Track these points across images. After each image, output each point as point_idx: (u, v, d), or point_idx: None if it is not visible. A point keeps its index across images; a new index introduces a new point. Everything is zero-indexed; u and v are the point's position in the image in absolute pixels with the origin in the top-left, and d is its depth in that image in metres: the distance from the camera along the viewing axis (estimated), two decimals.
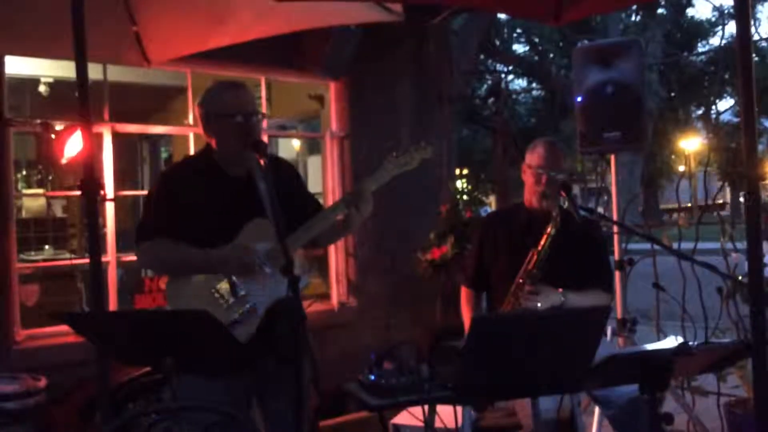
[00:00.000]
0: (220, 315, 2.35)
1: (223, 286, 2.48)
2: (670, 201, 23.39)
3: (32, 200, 6.96)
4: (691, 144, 17.04)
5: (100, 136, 4.38)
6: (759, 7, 18.18)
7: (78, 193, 2.42)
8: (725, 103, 19.36)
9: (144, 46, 3.52)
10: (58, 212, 7.35)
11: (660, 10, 17.59)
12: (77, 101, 2.39)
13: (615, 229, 4.20)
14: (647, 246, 4.25)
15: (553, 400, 2.81)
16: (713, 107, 18.74)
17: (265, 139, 2.66)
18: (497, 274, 3.22)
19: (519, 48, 20.85)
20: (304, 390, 2.36)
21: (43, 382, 3.58)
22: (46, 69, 5.94)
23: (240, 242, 2.49)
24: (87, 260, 2.51)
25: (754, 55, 2.22)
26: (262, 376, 2.51)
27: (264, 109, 5.28)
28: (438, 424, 2.83)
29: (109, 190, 4.38)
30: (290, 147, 10.27)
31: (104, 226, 4.36)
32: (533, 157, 3.18)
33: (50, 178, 7.20)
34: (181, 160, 2.87)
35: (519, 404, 3.05)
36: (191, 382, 2.18)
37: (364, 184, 2.65)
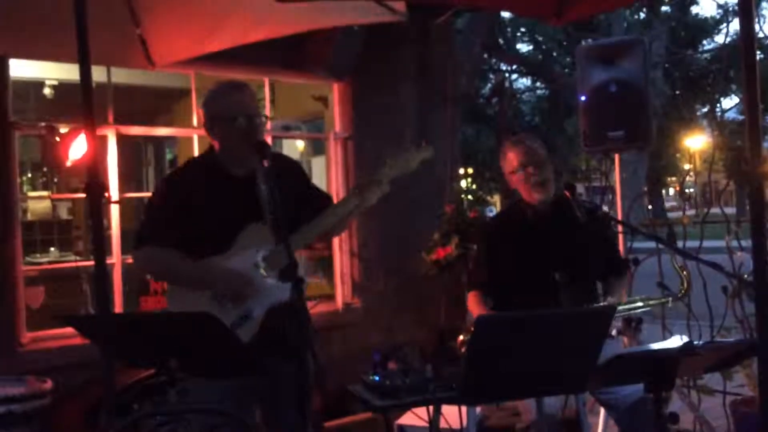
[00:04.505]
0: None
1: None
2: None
3: (37, 202, 6.98)
4: (696, 142, 16.97)
5: (104, 138, 4.39)
6: (764, 4, 18.10)
7: (83, 195, 2.43)
8: (730, 101, 19.27)
9: (148, 48, 3.52)
10: (63, 214, 7.38)
11: (664, 8, 17.53)
12: (81, 104, 2.40)
13: (620, 228, 4.20)
14: (652, 245, 4.25)
15: (558, 399, 2.81)
16: (718, 105, 18.67)
17: (269, 140, 2.65)
18: (508, 274, 3.19)
19: (523, 47, 20.82)
20: (307, 390, 2.36)
21: (48, 384, 3.59)
22: (50, 71, 5.96)
23: (234, 267, 2.45)
24: (92, 262, 2.51)
25: (758, 52, 2.20)
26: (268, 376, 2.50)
27: (268, 110, 5.28)
28: (443, 424, 2.82)
29: (113, 192, 4.39)
30: (294, 148, 10.27)
31: (109, 228, 4.37)
32: (510, 160, 3.16)
33: (55, 180, 7.24)
34: (184, 163, 2.86)
35: (522, 404, 3.03)
36: (198, 385, 2.18)
37: (377, 174, 2.58)
